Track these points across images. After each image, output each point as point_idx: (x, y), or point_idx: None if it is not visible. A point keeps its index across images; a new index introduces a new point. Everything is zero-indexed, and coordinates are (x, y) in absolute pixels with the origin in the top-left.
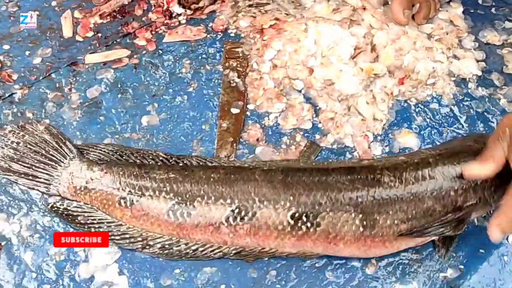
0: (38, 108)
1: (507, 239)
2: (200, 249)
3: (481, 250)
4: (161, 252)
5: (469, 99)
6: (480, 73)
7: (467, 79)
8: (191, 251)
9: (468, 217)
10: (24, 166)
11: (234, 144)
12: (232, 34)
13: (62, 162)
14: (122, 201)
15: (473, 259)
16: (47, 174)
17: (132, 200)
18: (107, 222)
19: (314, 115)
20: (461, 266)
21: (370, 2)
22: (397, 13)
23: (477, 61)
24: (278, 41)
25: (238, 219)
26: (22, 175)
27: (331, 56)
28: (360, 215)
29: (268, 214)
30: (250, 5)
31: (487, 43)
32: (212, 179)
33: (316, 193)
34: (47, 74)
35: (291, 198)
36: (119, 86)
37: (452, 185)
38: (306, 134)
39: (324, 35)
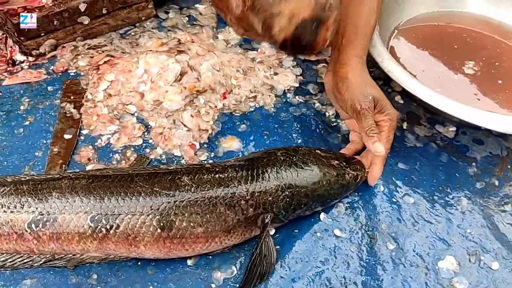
0: None
1: (318, 216)
2: (9, 260)
3: (295, 230)
4: None
5: (288, 106)
6: (297, 85)
7: (286, 90)
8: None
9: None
10: None
11: (64, 166)
12: (72, 73)
13: None
14: None
15: (288, 239)
16: None
17: None
18: None
19: (146, 133)
20: (277, 247)
21: (199, 37)
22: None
23: (296, 75)
24: (111, 73)
25: (40, 225)
26: None
27: (159, 81)
28: (157, 217)
29: (69, 219)
30: (89, 48)
31: (304, 61)
32: (20, 190)
33: (116, 196)
34: None
35: (92, 202)
36: None
37: (243, 194)
38: (136, 150)
39: (153, 64)
